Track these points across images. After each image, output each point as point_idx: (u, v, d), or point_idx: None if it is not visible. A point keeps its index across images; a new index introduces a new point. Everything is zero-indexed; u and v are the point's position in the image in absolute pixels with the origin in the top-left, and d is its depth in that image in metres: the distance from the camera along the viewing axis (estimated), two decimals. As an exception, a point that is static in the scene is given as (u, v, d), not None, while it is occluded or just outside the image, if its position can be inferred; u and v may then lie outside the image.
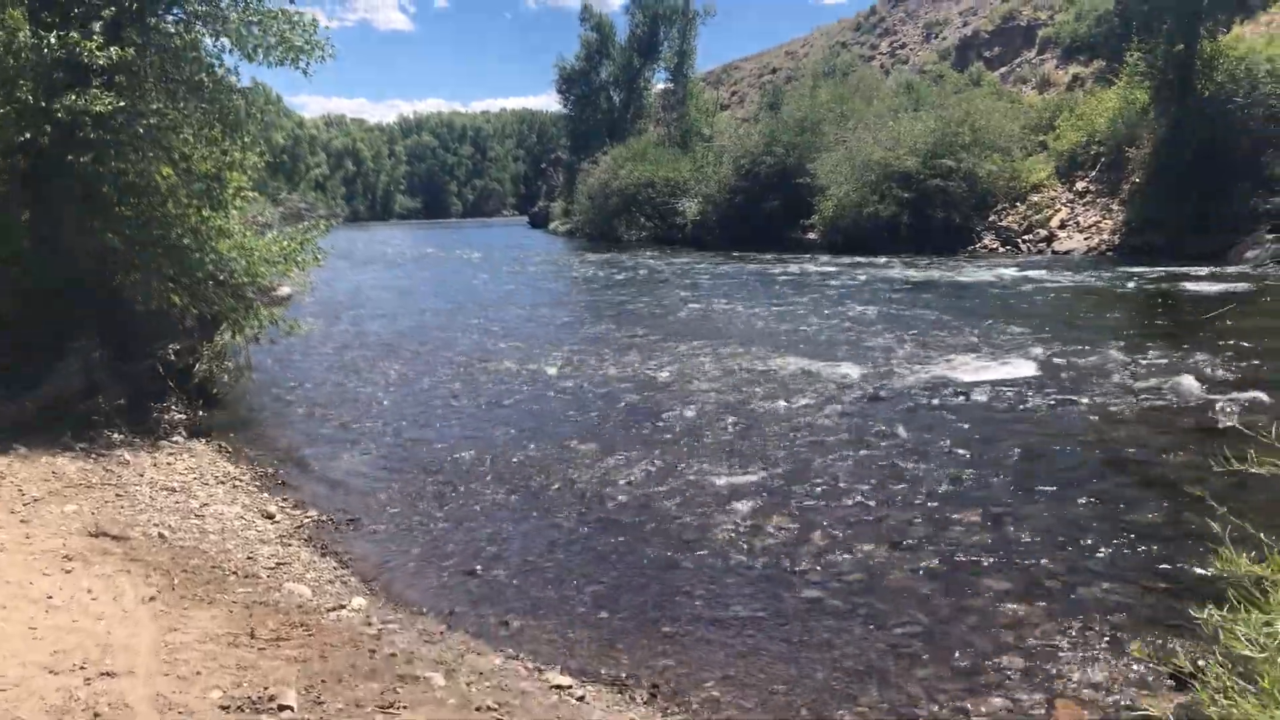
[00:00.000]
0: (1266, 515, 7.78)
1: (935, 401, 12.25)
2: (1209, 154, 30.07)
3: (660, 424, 11.70)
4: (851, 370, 14.25)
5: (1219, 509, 3.86)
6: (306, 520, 8.97)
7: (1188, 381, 12.10)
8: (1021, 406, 11.79)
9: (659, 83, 74.15)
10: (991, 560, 7.23)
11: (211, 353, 13.26)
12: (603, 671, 5.81)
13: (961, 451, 9.94)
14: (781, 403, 12.48)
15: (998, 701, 5.27)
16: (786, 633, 6.24)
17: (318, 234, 13.51)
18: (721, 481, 9.38)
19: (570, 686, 5.49)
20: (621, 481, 9.55)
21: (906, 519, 8.18)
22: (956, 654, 5.84)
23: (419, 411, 13.30)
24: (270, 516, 9.04)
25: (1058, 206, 37.89)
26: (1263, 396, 11.20)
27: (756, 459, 10.04)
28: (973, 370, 13.91)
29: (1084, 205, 37.26)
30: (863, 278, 28.48)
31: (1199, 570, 6.82)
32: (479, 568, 7.66)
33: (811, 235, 42.45)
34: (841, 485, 9.12)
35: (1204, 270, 25.35)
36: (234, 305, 12.61)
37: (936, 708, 5.27)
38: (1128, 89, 36.03)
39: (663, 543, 7.93)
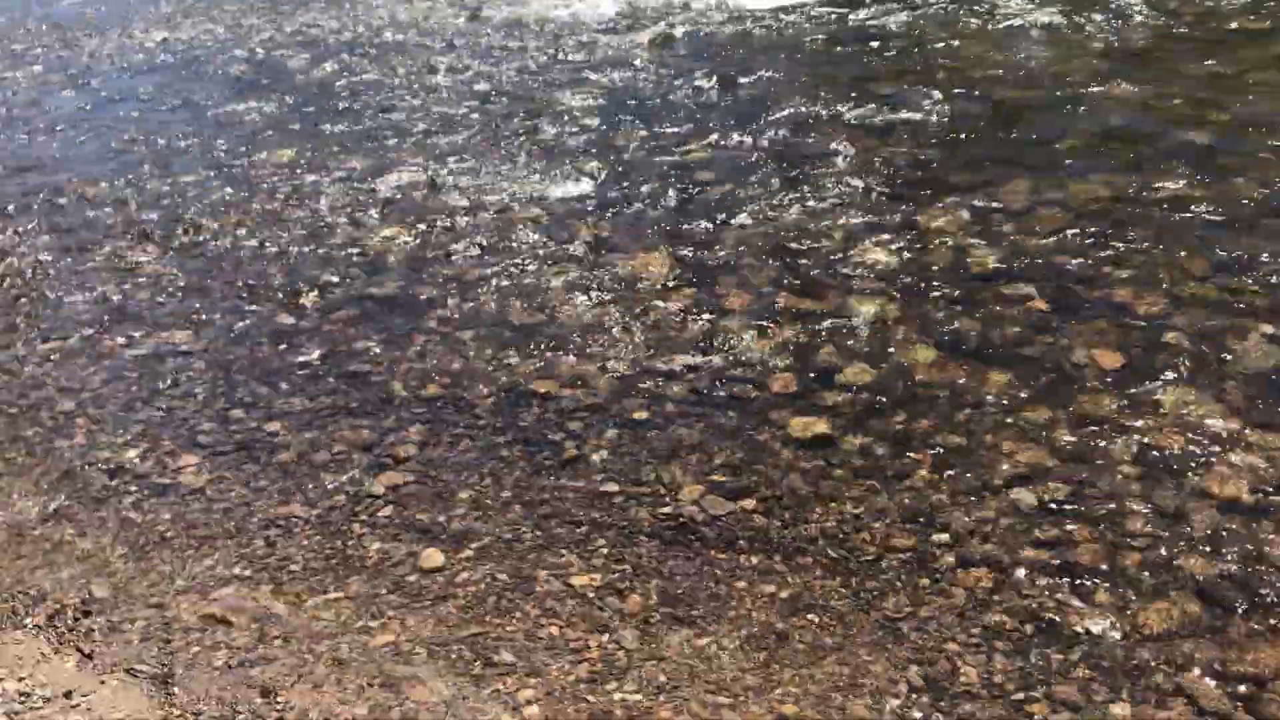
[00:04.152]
0: None
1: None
2: None
3: (380, 103, 7.63)
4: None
5: None
6: None
7: None
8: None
9: None
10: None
11: None
12: None
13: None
14: (545, 56, 8.60)
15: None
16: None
17: None
18: (535, 196, 5.78)
19: None
20: (376, 226, 5.70)
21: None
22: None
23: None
24: None
25: None
26: None
27: (561, 152, 6.41)
28: None
29: None
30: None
31: None
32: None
33: None
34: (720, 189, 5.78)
35: None
36: None
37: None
38: None
39: (496, 383, 4.40)
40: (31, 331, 4.84)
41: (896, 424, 3.70)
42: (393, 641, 2.85)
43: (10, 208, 6.31)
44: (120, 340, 4.72)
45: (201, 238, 5.67)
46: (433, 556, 3.20)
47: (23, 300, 5.15)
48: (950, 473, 3.42)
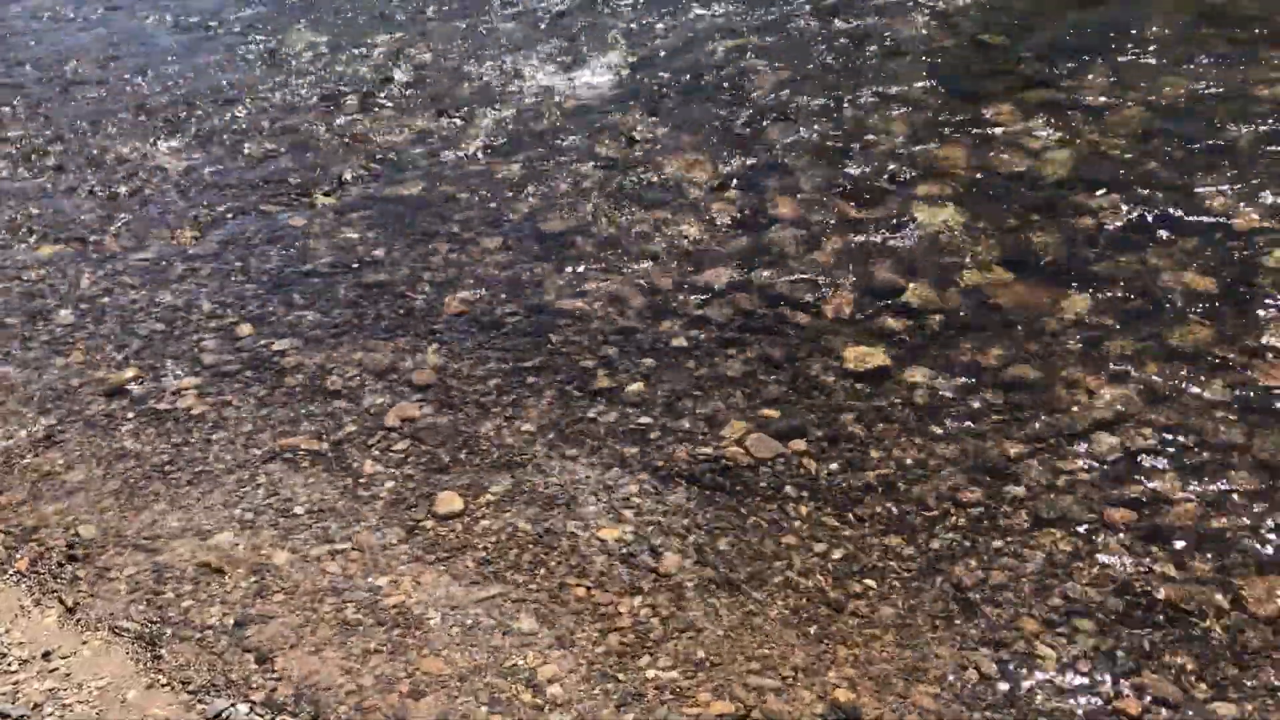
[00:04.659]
0: None
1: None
2: None
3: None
4: None
5: None
6: None
7: None
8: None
9: None
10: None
11: None
12: None
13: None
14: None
15: None
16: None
17: None
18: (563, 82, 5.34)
19: None
20: (395, 118, 5.30)
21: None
22: None
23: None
24: None
25: None
26: None
27: (595, 40, 5.93)
28: None
29: None
30: None
31: None
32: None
33: None
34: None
35: None
36: None
37: None
38: None
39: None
40: (29, 231, 4.52)
41: (963, 355, 3.33)
42: (403, 602, 2.58)
43: (9, 92, 5.94)
44: (124, 243, 4.41)
45: (211, 129, 5.30)
46: (450, 500, 2.91)
47: (20, 196, 4.83)
48: (1024, 414, 3.06)
